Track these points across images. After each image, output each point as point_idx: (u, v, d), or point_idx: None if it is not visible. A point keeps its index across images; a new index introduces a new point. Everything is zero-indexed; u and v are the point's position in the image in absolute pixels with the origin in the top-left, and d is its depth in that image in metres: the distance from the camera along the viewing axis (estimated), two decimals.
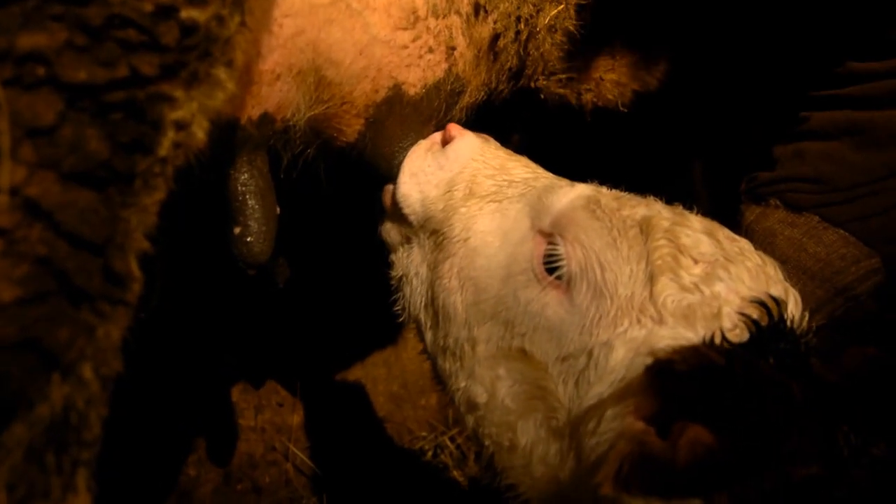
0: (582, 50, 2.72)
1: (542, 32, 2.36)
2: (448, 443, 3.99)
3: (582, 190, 1.73)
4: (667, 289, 1.43)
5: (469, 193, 1.86)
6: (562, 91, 2.97)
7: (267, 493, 3.61)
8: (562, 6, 2.34)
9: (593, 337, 1.48)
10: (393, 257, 2.08)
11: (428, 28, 1.96)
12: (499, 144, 2.04)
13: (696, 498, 1.17)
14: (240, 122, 1.70)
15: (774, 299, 1.40)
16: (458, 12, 2.03)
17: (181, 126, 1.25)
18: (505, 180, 1.86)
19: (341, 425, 3.89)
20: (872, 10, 2.23)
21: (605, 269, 1.51)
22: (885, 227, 2.23)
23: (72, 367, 1.12)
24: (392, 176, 2.05)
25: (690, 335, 1.39)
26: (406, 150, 2.05)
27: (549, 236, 1.65)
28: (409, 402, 4.13)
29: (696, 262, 1.47)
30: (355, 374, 4.06)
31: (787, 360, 1.32)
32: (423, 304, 1.90)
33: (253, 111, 1.72)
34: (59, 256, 1.09)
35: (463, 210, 1.83)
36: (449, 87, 2.12)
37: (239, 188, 1.79)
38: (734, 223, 2.47)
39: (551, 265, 1.60)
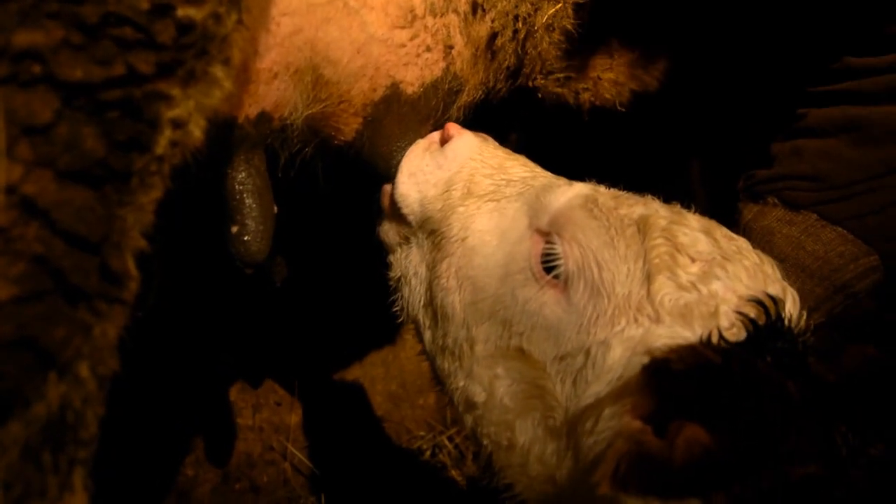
0: (580, 49, 2.72)
1: (540, 31, 2.36)
2: (446, 442, 3.98)
3: (580, 189, 1.72)
4: (664, 287, 1.43)
5: (467, 193, 1.85)
6: (560, 90, 2.97)
7: (265, 492, 3.61)
8: (560, 5, 2.34)
9: (591, 336, 1.48)
10: (391, 258, 2.07)
11: (426, 27, 1.95)
12: (497, 144, 2.04)
13: (694, 498, 1.17)
14: (237, 120, 1.70)
15: (772, 298, 1.40)
16: (455, 11, 2.03)
17: (178, 124, 1.25)
18: (503, 179, 1.86)
19: (339, 425, 3.89)
20: (868, 6, 2.23)
21: (602, 268, 1.51)
22: (882, 225, 2.23)
23: (68, 365, 1.12)
24: (390, 175, 2.05)
25: (688, 334, 1.39)
26: (404, 149, 2.05)
27: (546, 235, 1.65)
28: (408, 401, 4.13)
29: (693, 260, 1.47)
30: (353, 373, 4.06)
31: (785, 359, 1.32)
32: (421, 303, 1.90)
33: (250, 110, 1.72)
34: (55, 255, 1.08)
35: (461, 209, 1.83)
36: (447, 85, 2.12)
37: (236, 187, 1.79)
38: (732, 222, 2.47)
39: (549, 264, 1.60)
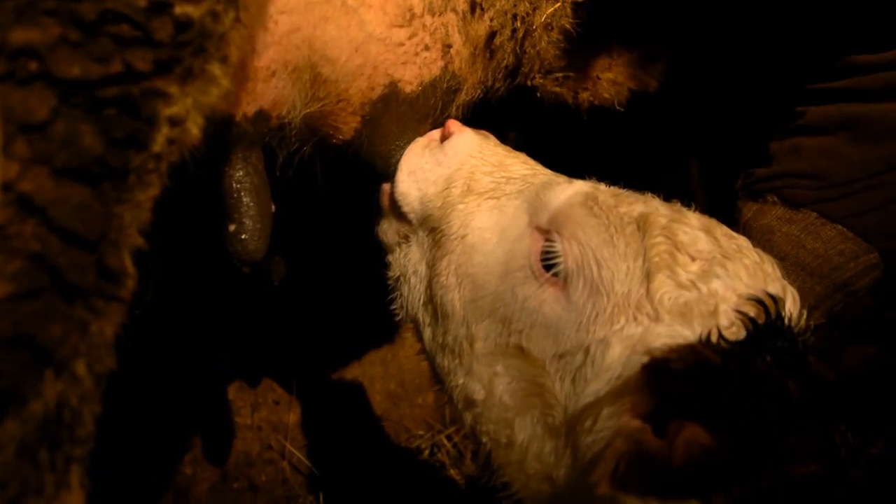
0: (578, 48, 2.72)
1: (539, 30, 2.36)
2: (445, 441, 3.98)
3: (580, 187, 1.72)
4: (663, 286, 1.43)
5: (467, 190, 1.85)
6: (558, 89, 2.97)
7: (263, 491, 3.60)
8: (558, 4, 2.34)
9: (590, 334, 1.47)
10: (390, 257, 2.07)
11: (424, 25, 1.95)
12: (498, 141, 2.03)
13: (693, 498, 1.17)
14: (235, 118, 1.70)
15: (772, 297, 1.39)
16: (454, 10, 2.03)
17: (175, 122, 1.24)
18: (503, 177, 1.86)
19: (338, 424, 3.89)
20: (866, 4, 2.23)
21: (601, 266, 1.50)
22: (882, 223, 2.23)
23: (65, 363, 1.12)
24: (388, 174, 2.05)
25: (687, 333, 1.38)
26: (402, 147, 2.05)
27: (546, 233, 1.64)
28: (406, 400, 4.13)
29: (693, 259, 1.46)
30: (352, 372, 4.06)
31: (785, 358, 1.31)
32: (421, 301, 1.90)
33: (248, 108, 1.72)
34: (52, 252, 1.08)
35: (461, 207, 1.83)
36: (445, 84, 2.12)
37: (234, 185, 1.79)
38: (731, 220, 2.47)
39: (549, 262, 1.59)
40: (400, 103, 2.01)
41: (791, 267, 2.23)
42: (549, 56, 2.56)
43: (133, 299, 1.24)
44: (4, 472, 1.05)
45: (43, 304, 1.08)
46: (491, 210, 1.80)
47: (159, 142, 1.22)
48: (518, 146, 2.07)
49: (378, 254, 2.14)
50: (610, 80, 3.07)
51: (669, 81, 3.15)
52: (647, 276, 1.45)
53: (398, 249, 2.03)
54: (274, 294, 2.69)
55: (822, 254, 2.26)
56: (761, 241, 2.30)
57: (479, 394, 1.66)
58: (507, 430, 1.59)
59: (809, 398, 1.22)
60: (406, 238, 2.00)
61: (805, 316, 1.46)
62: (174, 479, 3.45)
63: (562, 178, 1.81)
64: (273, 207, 1.89)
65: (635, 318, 1.44)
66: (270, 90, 1.72)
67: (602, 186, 1.74)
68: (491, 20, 2.16)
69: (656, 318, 1.42)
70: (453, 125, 2.00)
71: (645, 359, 1.32)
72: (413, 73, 2.00)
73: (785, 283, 1.53)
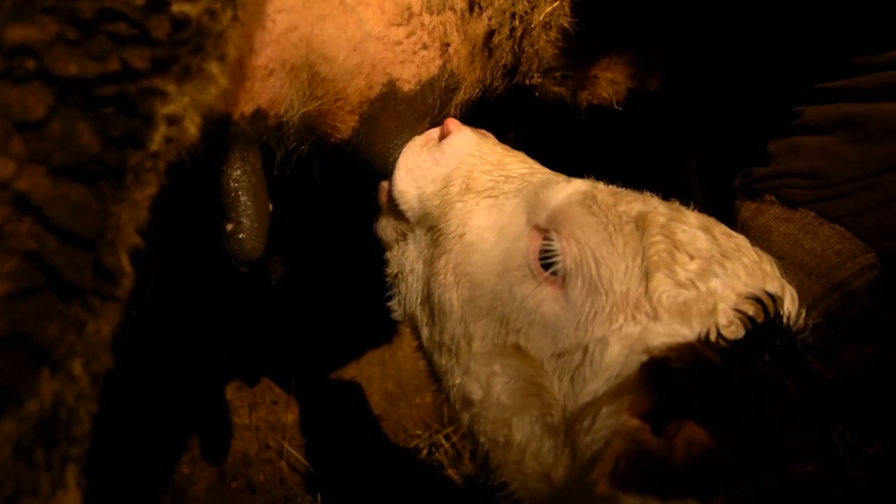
0: (577, 47, 2.72)
1: (537, 29, 2.35)
2: (443, 441, 3.98)
3: (578, 185, 1.72)
4: (662, 285, 1.42)
5: (465, 189, 1.85)
6: (557, 89, 2.97)
7: (261, 491, 3.60)
8: (557, 3, 2.34)
9: (588, 333, 1.47)
10: (388, 255, 2.07)
11: (422, 24, 1.95)
12: (496, 140, 2.03)
13: (693, 497, 1.17)
14: (232, 117, 1.70)
15: (770, 296, 1.39)
16: (452, 8, 2.03)
17: (173, 121, 1.24)
18: (501, 176, 1.86)
19: (336, 423, 3.89)
20: (863, 4, 2.23)
21: (600, 265, 1.50)
22: (879, 222, 2.23)
23: (61, 362, 1.12)
24: (386, 173, 2.04)
25: (686, 331, 1.38)
26: (400, 147, 2.04)
27: (545, 232, 1.64)
28: (404, 400, 4.13)
29: (691, 258, 1.46)
30: (350, 372, 4.06)
31: (783, 357, 1.31)
32: (418, 300, 1.89)
33: (246, 107, 1.71)
34: (48, 251, 1.08)
35: (459, 205, 1.82)
36: (443, 83, 2.12)
37: (231, 184, 1.79)
38: (729, 219, 2.47)
39: (547, 261, 1.59)
40: (398, 102, 2.01)
41: (789, 266, 2.23)
42: (547, 55, 2.56)
43: (130, 298, 1.24)
44: (0, 471, 1.05)
45: (39, 303, 1.08)
46: (489, 209, 1.79)
47: (157, 140, 1.22)
48: (517, 145, 2.06)
49: (376, 253, 2.13)
50: (608, 79, 3.07)
51: (668, 81, 3.15)
52: (646, 275, 1.45)
53: (396, 247, 2.02)
54: (272, 293, 2.69)
55: (820, 253, 2.26)
56: (759, 240, 2.30)
57: (476, 393, 1.65)
58: (505, 429, 1.59)
59: (808, 397, 1.22)
60: (404, 236, 1.99)
61: (803, 315, 1.45)
62: (172, 479, 3.45)
63: (560, 177, 1.81)
64: (271, 206, 1.89)
65: (634, 317, 1.43)
66: (268, 89, 1.72)
67: (600, 185, 1.74)
68: (489, 19, 2.16)
69: (655, 317, 1.41)
70: (452, 124, 1.99)
71: (644, 358, 1.32)
72: (411, 71, 2.00)
73: (783, 281, 1.52)
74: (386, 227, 2.07)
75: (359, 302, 3.13)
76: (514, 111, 3.02)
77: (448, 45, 2.06)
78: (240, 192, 1.79)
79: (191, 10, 1.22)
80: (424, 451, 3.97)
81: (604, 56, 3.03)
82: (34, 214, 1.06)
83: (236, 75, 1.61)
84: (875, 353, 1.33)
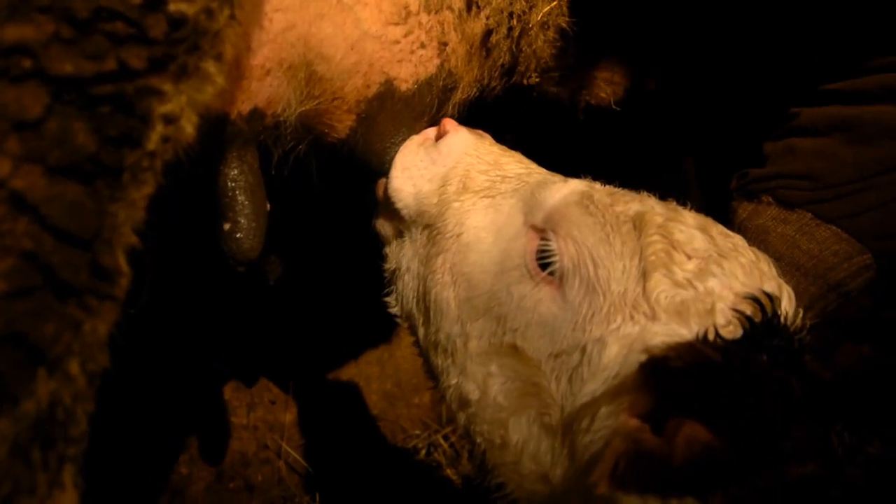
0: (575, 47, 2.72)
1: (535, 29, 2.35)
2: (441, 441, 3.98)
3: (575, 185, 1.72)
4: (660, 285, 1.42)
5: (463, 188, 1.85)
6: (555, 89, 2.97)
7: (259, 491, 3.60)
8: (554, 3, 2.33)
9: (586, 333, 1.47)
10: (387, 249, 2.07)
11: (420, 23, 1.95)
12: (493, 140, 2.03)
13: (692, 497, 1.16)
14: (229, 116, 1.70)
15: (768, 295, 1.39)
16: (450, 8, 2.02)
17: (170, 120, 1.24)
18: (498, 175, 1.85)
19: (334, 423, 3.89)
20: (861, 6, 2.23)
21: (597, 265, 1.50)
22: (875, 224, 2.24)
23: (58, 362, 1.11)
24: (383, 172, 2.04)
25: (684, 331, 1.38)
26: (398, 146, 2.04)
27: (542, 232, 1.64)
28: (403, 400, 4.12)
29: (689, 257, 1.46)
30: (348, 371, 4.06)
31: (781, 356, 1.31)
32: (415, 299, 1.89)
33: (243, 106, 1.71)
34: (44, 250, 1.08)
35: (456, 205, 1.82)
36: (441, 82, 2.12)
37: (228, 184, 1.78)
38: (728, 220, 2.47)
39: (544, 261, 1.59)
40: (395, 101, 2.01)
41: (786, 267, 2.23)
42: (545, 55, 2.56)
43: (127, 298, 1.24)
44: None
45: (36, 302, 1.08)
46: (486, 209, 1.79)
47: (154, 140, 1.22)
48: (515, 145, 2.06)
49: (374, 253, 2.13)
50: (606, 79, 3.07)
51: (666, 81, 3.15)
52: (644, 275, 1.44)
53: (395, 242, 2.02)
54: (269, 293, 2.69)
55: (817, 254, 2.26)
56: (756, 241, 2.30)
57: (473, 393, 1.65)
58: (502, 430, 1.59)
59: (807, 397, 1.22)
60: (401, 233, 2.00)
61: (801, 315, 1.45)
62: (170, 479, 3.45)
63: (557, 177, 1.80)
64: (268, 206, 1.89)
65: (632, 317, 1.43)
66: (265, 88, 1.72)
67: (598, 185, 1.74)
68: (487, 18, 2.16)
69: (653, 317, 1.41)
70: (448, 124, 1.99)
71: (642, 357, 1.31)
72: (409, 70, 2.00)
73: (781, 281, 1.52)
74: (384, 224, 2.07)
75: (357, 302, 3.13)
76: (512, 111, 3.02)
77: (446, 44, 2.05)
78: (237, 192, 1.79)
79: (188, 9, 1.22)
80: (423, 451, 3.96)
81: (602, 56, 3.03)
82: (30, 214, 1.06)
83: (233, 74, 1.61)
84: (872, 352, 1.33)
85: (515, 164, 1.90)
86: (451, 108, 2.24)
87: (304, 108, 1.82)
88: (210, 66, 1.31)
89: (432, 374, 1.85)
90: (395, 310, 2.00)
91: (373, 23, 1.84)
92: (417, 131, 2.09)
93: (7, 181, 1.03)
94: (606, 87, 3.07)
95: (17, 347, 1.06)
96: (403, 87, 2.01)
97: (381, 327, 4.05)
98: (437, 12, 1.98)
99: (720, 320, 1.37)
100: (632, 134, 3.40)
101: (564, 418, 1.46)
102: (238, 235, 1.81)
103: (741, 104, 2.96)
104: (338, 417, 3.92)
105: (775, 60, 2.75)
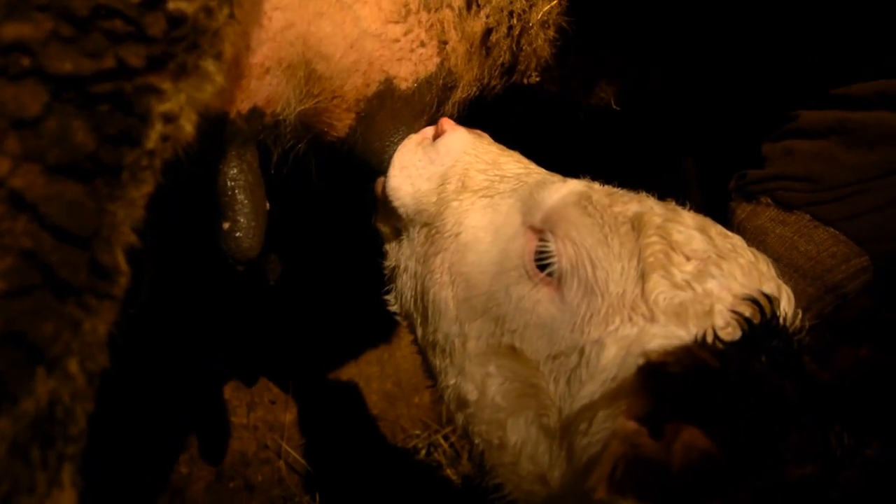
0: (575, 46, 2.71)
1: (535, 28, 2.35)
2: (441, 441, 3.98)
3: (574, 186, 1.71)
4: (658, 286, 1.42)
5: (461, 187, 1.84)
6: (555, 88, 2.96)
7: (259, 491, 3.60)
8: (554, 2, 2.33)
9: (584, 335, 1.47)
10: (387, 247, 2.07)
11: (420, 22, 1.95)
12: (491, 140, 2.03)
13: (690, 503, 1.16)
14: (229, 115, 1.69)
15: (767, 297, 1.39)
16: (449, 6, 2.02)
17: (169, 119, 1.24)
18: (497, 175, 1.85)
19: (334, 423, 3.88)
20: (860, 8, 2.23)
21: (596, 267, 1.49)
22: (873, 226, 2.24)
23: (57, 361, 1.11)
24: (382, 171, 2.04)
25: (682, 333, 1.38)
26: (397, 144, 2.04)
27: (540, 232, 1.64)
28: (403, 400, 4.12)
29: (688, 258, 1.46)
30: (348, 371, 4.05)
31: (780, 358, 1.31)
32: (413, 298, 1.89)
33: (242, 105, 1.71)
34: (43, 249, 1.08)
35: (455, 204, 1.82)
36: (441, 81, 2.11)
37: (228, 183, 1.78)
38: (725, 221, 2.47)
39: (543, 262, 1.58)
40: (395, 100, 2.01)
41: (784, 268, 2.23)
42: (545, 54, 2.56)
43: (126, 297, 1.24)
44: None
45: (34, 301, 1.08)
46: (485, 208, 1.79)
47: (153, 138, 1.21)
48: (514, 144, 2.06)
49: (373, 252, 2.13)
50: (606, 79, 3.07)
51: (666, 81, 3.15)
52: (642, 277, 1.44)
53: (394, 240, 2.02)
54: (269, 292, 2.69)
55: (815, 256, 2.26)
56: (755, 242, 2.29)
57: (471, 394, 1.65)
58: (500, 431, 1.59)
59: (805, 399, 1.22)
60: (399, 232, 2.00)
61: (800, 316, 1.45)
62: (170, 479, 3.45)
63: (556, 178, 1.80)
64: (267, 205, 1.88)
65: (630, 319, 1.43)
66: (265, 87, 1.72)
67: (596, 185, 1.73)
68: (487, 17, 2.15)
69: (651, 319, 1.41)
70: (446, 123, 1.99)
71: (640, 360, 1.31)
72: (408, 69, 2.00)
73: (780, 282, 1.52)
74: (383, 222, 2.07)
75: (357, 301, 3.12)
76: (512, 110, 3.02)
77: (446, 42, 2.05)
78: (236, 191, 1.79)
79: (187, 7, 1.22)
80: (423, 451, 3.96)
81: (602, 56, 3.03)
82: (29, 212, 1.06)
83: (233, 73, 1.61)
84: (869, 354, 1.33)
85: (514, 164, 1.90)
86: (450, 106, 2.24)
87: (303, 107, 1.82)
88: (209, 65, 1.31)
89: (431, 373, 1.85)
90: (394, 308, 2.00)
91: (372, 21, 1.84)
92: (417, 130, 2.09)
93: (6, 180, 1.03)
94: (606, 86, 3.07)
95: (17, 346, 1.06)
96: (403, 85, 2.00)
97: (381, 327, 4.05)
98: (436, 10, 1.98)
99: (719, 322, 1.37)
100: (632, 134, 3.40)
101: (563, 420, 1.46)
102: (237, 234, 1.80)
103: (741, 104, 2.96)
104: (338, 417, 3.92)
105: (775, 62, 2.74)
